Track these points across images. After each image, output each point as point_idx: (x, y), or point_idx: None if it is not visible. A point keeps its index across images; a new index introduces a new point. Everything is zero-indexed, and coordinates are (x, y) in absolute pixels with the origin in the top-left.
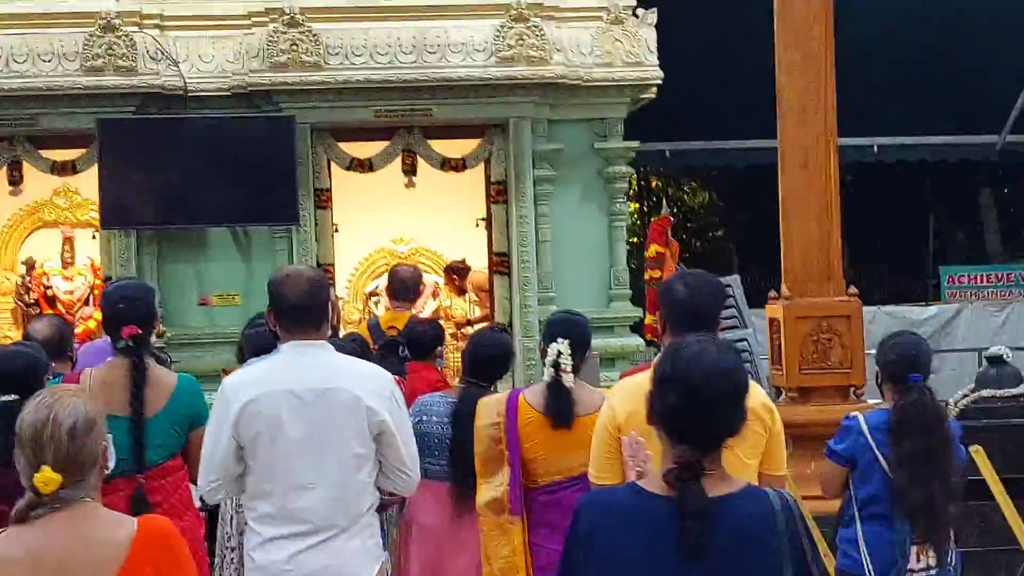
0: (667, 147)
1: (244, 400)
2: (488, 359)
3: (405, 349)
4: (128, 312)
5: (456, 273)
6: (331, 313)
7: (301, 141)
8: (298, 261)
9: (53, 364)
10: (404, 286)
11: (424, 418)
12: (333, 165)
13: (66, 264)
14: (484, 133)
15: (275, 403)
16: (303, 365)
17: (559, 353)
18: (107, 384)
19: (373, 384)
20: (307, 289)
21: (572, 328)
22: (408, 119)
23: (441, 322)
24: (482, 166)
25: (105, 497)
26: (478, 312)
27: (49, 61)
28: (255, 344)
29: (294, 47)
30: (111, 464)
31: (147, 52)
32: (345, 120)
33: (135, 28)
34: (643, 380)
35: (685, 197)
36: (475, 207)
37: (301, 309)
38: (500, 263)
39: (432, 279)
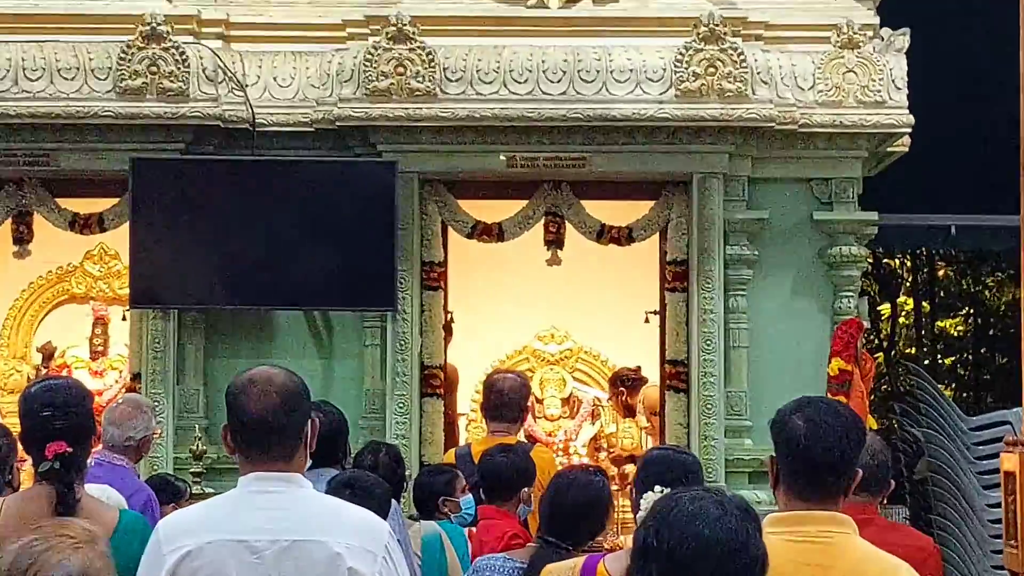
0: (953, 221)
1: (180, 552)
2: (572, 510)
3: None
4: (55, 422)
5: (625, 385)
6: (311, 436)
7: (405, 196)
8: (393, 359)
9: None
10: (503, 401)
11: None
12: (449, 231)
13: (96, 354)
14: (659, 194)
15: (222, 558)
16: (264, 507)
17: None
18: (23, 519)
19: (361, 538)
20: (277, 401)
21: (676, 472)
22: (554, 171)
23: (603, 457)
24: (655, 239)
25: None
26: (651, 443)
27: (72, 79)
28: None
29: (400, 69)
30: None
31: (203, 71)
32: (467, 170)
33: (189, 39)
34: None
35: (987, 294)
36: (643, 296)
37: (267, 429)
38: (675, 375)
39: (591, 394)
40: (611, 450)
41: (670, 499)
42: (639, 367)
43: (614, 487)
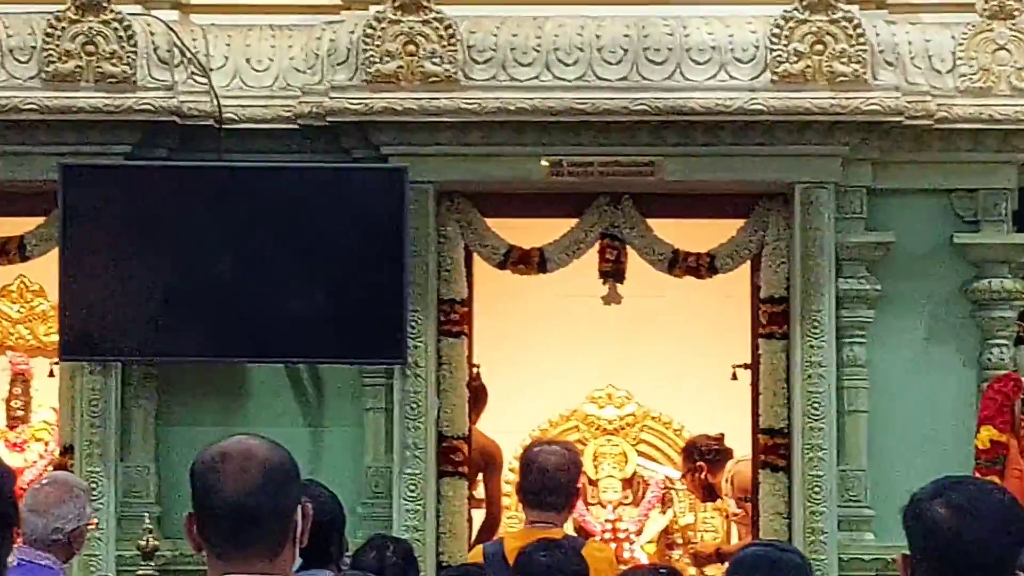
0: None
1: None
2: None
3: None
4: None
5: (704, 458)
6: (302, 527)
7: (418, 214)
8: (402, 428)
9: None
10: (545, 483)
11: None
12: (475, 259)
13: (15, 420)
14: (750, 210)
15: None
16: None
17: None
18: None
19: None
20: (258, 482)
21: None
22: (612, 180)
23: (677, 556)
24: (744, 270)
25: None
26: (739, 536)
27: None
28: None
29: (411, 47)
30: None
31: (154, 51)
32: (499, 179)
33: (137, 9)
34: None
35: None
36: (730, 345)
37: (245, 517)
38: (772, 449)
39: (661, 473)
40: (690, 545)
41: None
42: (722, 435)
43: None
